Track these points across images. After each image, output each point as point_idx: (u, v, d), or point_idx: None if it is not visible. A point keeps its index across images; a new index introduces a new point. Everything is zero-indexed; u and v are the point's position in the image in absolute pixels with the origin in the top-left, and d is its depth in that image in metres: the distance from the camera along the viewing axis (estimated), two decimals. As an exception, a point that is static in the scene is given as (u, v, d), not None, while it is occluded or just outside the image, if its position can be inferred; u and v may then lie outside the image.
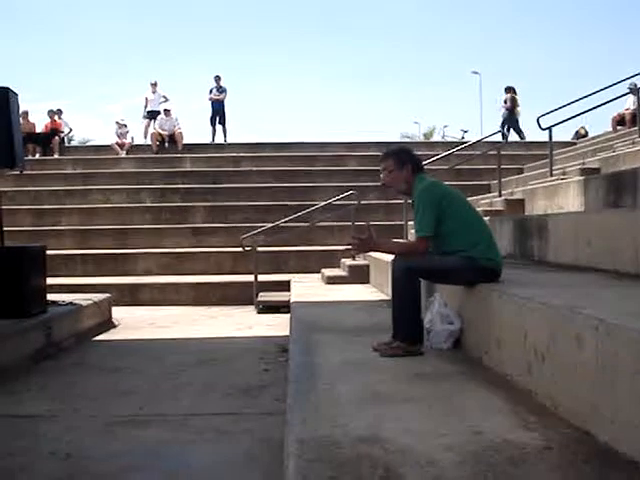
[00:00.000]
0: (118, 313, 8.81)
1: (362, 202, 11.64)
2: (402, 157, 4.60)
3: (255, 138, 20.59)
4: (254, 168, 16.74)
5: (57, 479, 3.41)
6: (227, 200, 14.91)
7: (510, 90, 20.21)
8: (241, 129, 79.34)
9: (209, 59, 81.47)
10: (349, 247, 4.73)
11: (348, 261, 10.63)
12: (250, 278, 10.52)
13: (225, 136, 20.14)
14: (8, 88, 6.61)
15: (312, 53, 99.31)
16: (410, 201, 4.67)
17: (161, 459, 3.70)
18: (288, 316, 7.59)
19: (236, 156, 17.79)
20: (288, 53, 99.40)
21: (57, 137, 18.86)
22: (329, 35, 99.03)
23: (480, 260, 4.29)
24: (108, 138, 20.11)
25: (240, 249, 10.84)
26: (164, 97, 19.85)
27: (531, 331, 3.32)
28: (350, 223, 11.06)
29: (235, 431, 4.10)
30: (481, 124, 45.58)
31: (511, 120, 19.95)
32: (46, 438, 4.03)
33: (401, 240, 4.82)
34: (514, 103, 20.02)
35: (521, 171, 14.50)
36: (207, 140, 20.09)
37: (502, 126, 19.63)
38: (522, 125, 20.10)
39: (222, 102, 19.97)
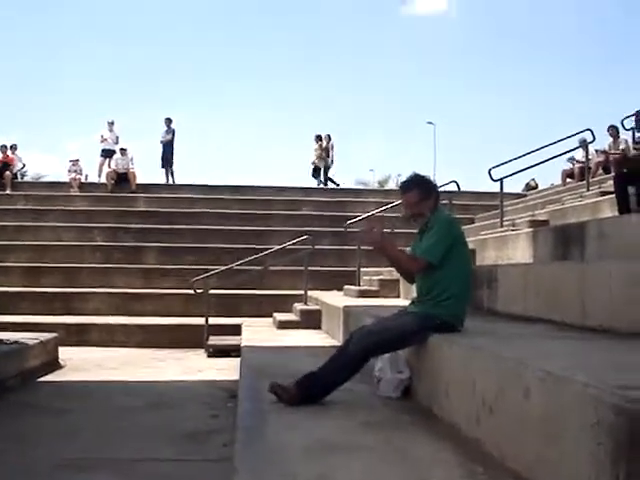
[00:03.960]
0: (65, 353, 8.64)
1: (316, 247, 11.68)
2: (428, 186, 4.63)
3: (212, 180, 20.72)
4: (209, 210, 16.72)
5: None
6: (180, 241, 14.83)
7: (321, 139, 21.16)
8: (197, 171, 79.30)
9: (166, 100, 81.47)
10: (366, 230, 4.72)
11: (300, 306, 10.62)
12: (201, 321, 10.43)
13: (172, 177, 20.15)
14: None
15: (269, 100, 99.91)
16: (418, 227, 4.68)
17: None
18: (238, 360, 7.54)
19: (191, 197, 17.75)
20: (248, 100, 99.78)
21: (9, 172, 18.61)
22: (286, 82, 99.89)
23: (442, 316, 4.29)
24: (62, 175, 19.94)
25: (192, 291, 10.76)
26: (117, 138, 19.81)
27: (480, 381, 3.35)
28: (303, 268, 11.08)
29: (182, 477, 4.04)
30: (434, 173, 46.13)
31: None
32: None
33: (406, 252, 4.87)
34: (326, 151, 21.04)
35: (472, 221, 14.73)
36: (159, 181, 20.01)
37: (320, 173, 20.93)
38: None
39: (170, 144, 20.01)
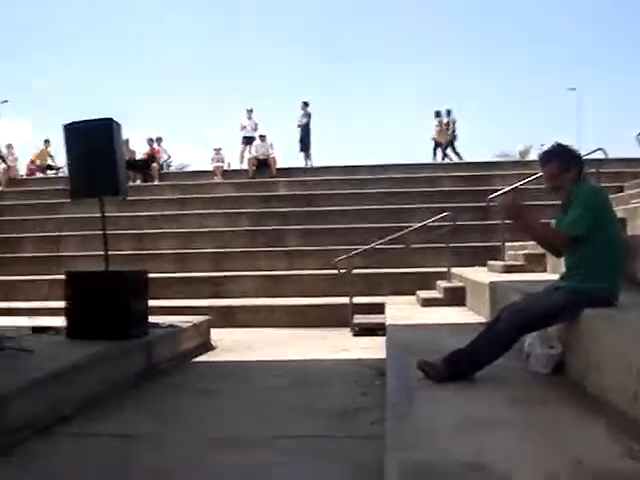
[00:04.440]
0: (216, 335, 8.94)
1: (457, 223, 11.50)
2: (569, 156, 4.49)
3: (348, 161, 20.90)
4: (347, 191, 16.80)
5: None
6: (321, 223, 15.00)
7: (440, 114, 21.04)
8: (337, 152, 79.61)
9: (300, 84, 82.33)
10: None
11: (443, 283, 10.52)
12: (345, 300, 10.53)
13: (310, 160, 20.40)
14: (112, 119, 6.90)
15: (404, 74, 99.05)
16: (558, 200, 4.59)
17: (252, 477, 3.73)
18: (384, 339, 7.56)
19: (329, 179, 17.89)
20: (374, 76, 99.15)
21: (156, 164, 19.47)
22: (425, 56, 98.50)
23: (593, 291, 4.13)
24: (206, 164, 20.71)
25: (334, 271, 10.87)
26: (256, 125, 20.29)
27: (636, 357, 3.20)
28: (444, 245, 10.96)
29: (330, 454, 4.09)
30: (578, 142, 44.32)
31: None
32: (146, 456, 4.15)
33: (550, 225, 4.80)
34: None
35: (622, 189, 14.05)
36: (298, 164, 20.31)
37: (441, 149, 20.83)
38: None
39: (306, 127, 20.26)
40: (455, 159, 20.57)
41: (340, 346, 8.64)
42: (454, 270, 10.77)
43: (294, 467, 3.89)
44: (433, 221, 11.50)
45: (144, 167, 19.40)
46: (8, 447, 4.26)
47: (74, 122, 7.06)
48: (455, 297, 9.80)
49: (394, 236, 11.49)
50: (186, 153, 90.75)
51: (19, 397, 4.64)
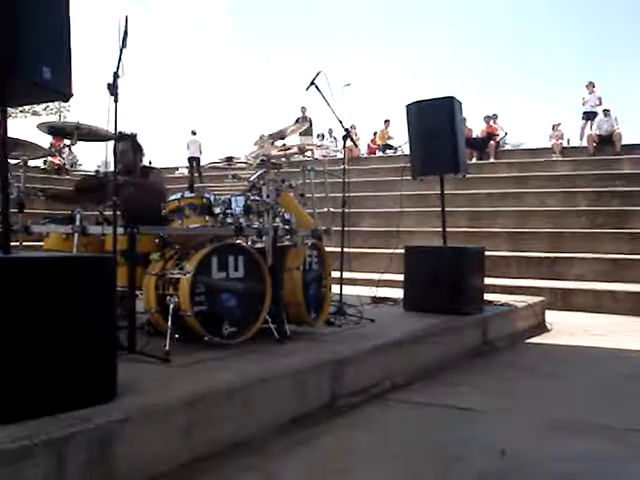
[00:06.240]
0: (551, 317, 8.73)
1: None
2: None
3: None
4: None
5: (488, 473, 3.48)
6: (670, 204, 13.84)
7: None
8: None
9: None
10: None
11: None
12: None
13: None
14: (453, 97, 7.02)
15: None
16: None
17: (601, 471, 3.57)
18: None
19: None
20: None
21: (493, 141, 19.42)
22: None
23: None
24: (541, 140, 20.26)
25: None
26: (599, 99, 19.33)
27: None
28: None
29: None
30: None
31: None
32: (480, 433, 4.16)
33: None
34: None
35: None
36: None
37: None
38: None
39: None
40: None
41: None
42: None
43: None
44: None
45: (482, 145, 19.48)
46: (345, 409, 4.54)
47: (416, 102, 7.28)
48: None
49: None
50: (521, 129, 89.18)
51: (359, 361, 4.92)
